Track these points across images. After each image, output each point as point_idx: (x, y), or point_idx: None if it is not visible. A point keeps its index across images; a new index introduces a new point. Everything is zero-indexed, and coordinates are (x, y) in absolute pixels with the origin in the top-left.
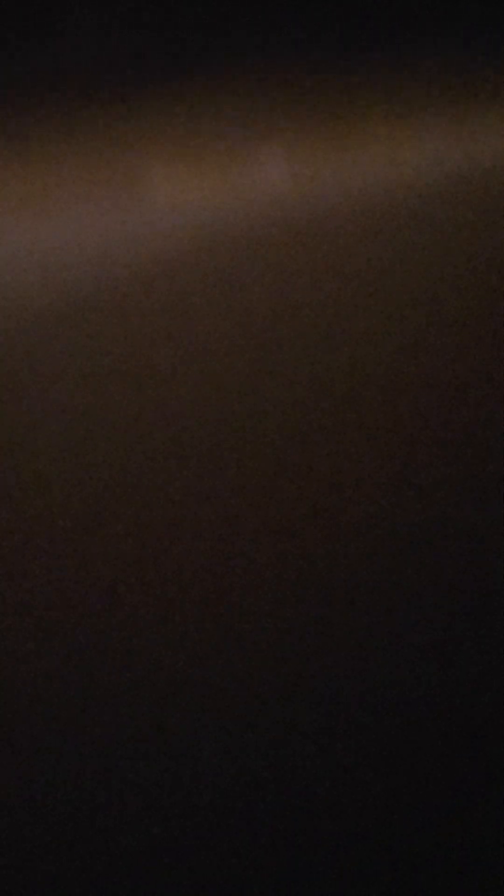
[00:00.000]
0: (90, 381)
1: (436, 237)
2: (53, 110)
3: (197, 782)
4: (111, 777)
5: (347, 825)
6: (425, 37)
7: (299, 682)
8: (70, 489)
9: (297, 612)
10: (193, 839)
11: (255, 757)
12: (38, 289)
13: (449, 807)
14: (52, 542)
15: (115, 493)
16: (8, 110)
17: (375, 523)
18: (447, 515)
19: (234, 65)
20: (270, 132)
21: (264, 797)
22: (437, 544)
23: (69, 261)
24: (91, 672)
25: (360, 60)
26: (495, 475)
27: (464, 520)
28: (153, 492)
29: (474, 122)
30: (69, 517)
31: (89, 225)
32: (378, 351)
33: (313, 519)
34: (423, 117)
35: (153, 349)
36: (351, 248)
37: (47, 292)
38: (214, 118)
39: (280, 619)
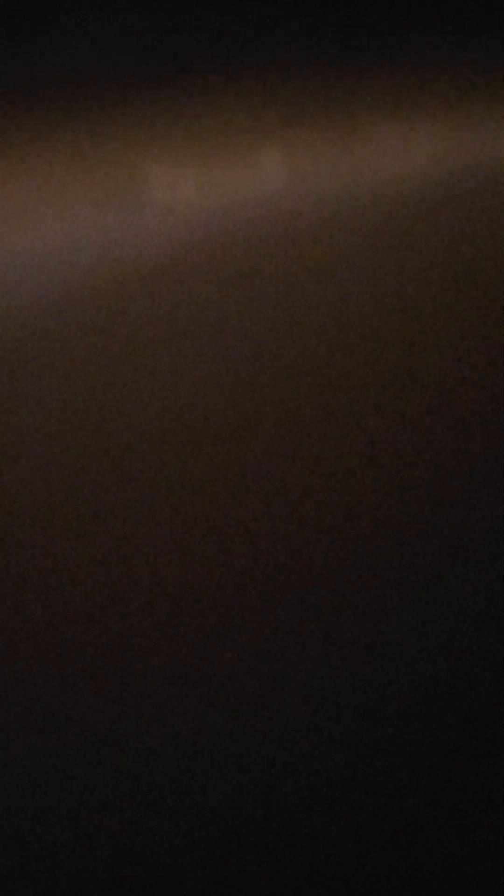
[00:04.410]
0: (90, 380)
1: (436, 236)
2: (53, 111)
3: (196, 784)
4: (110, 779)
5: (347, 826)
6: (425, 37)
7: (300, 685)
8: (70, 487)
9: (297, 615)
10: (193, 839)
11: (255, 758)
12: (39, 289)
13: (448, 806)
14: (52, 540)
15: (114, 491)
16: (8, 111)
17: (376, 521)
18: (448, 514)
19: (235, 65)
20: (270, 132)
21: (264, 797)
22: (438, 544)
23: (69, 261)
24: (91, 673)
25: (361, 61)
26: (496, 471)
27: (465, 519)
28: (153, 490)
29: (474, 122)
30: (69, 514)
31: (89, 225)
32: (379, 349)
33: (315, 516)
34: (424, 117)
35: (153, 348)
36: (351, 248)
37: (47, 292)
38: (214, 118)
39: (281, 622)
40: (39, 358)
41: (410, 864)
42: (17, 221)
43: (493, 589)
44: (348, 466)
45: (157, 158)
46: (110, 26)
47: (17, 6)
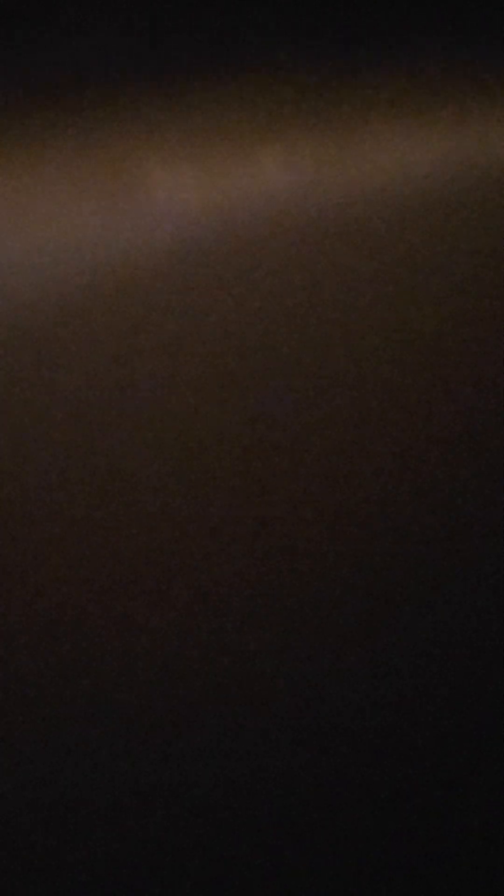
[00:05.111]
0: (89, 383)
1: (436, 237)
2: (53, 110)
3: (195, 786)
4: (110, 781)
5: (347, 827)
6: (426, 37)
7: (299, 685)
8: (69, 490)
9: (298, 616)
10: (192, 840)
11: (254, 761)
12: (37, 289)
13: (448, 807)
14: (50, 542)
15: (114, 494)
16: (7, 110)
17: (378, 522)
18: (450, 514)
19: (234, 64)
20: (270, 132)
21: (264, 798)
22: (440, 546)
23: (68, 261)
24: (90, 676)
25: (361, 60)
26: (498, 475)
27: (467, 520)
28: (153, 492)
29: (474, 122)
30: (68, 517)
31: (88, 225)
32: (379, 351)
33: (315, 519)
34: (424, 117)
35: (153, 350)
36: (351, 248)
37: (46, 293)
38: (214, 118)
39: (280, 623)
40: (39, 358)
41: (410, 865)
42: (16, 221)
43: (494, 589)
44: (350, 469)
45: (157, 158)
46: (110, 26)
47: (16, 6)
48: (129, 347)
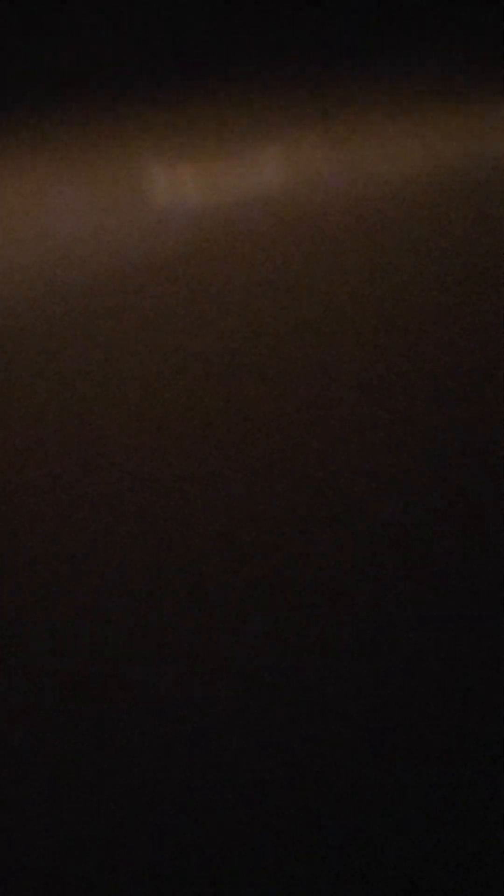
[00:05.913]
0: (89, 383)
1: (435, 236)
2: (52, 110)
3: (197, 784)
4: (111, 777)
5: (347, 828)
6: (425, 37)
7: (301, 683)
8: (69, 489)
9: (298, 615)
10: (194, 834)
11: (255, 759)
12: (36, 289)
13: (448, 806)
14: (50, 543)
15: (114, 494)
16: (6, 110)
17: (377, 519)
18: (447, 509)
19: (234, 64)
20: (270, 132)
21: (266, 794)
22: (437, 541)
23: (67, 261)
24: (92, 670)
25: (360, 60)
26: (497, 472)
27: (464, 517)
28: (153, 492)
29: (474, 121)
30: (68, 518)
31: (88, 225)
32: (378, 350)
33: (314, 516)
34: (423, 117)
35: (152, 349)
36: (351, 248)
37: (45, 292)
38: (214, 118)
39: (281, 622)
40: (38, 358)
41: (410, 867)
42: (16, 222)
43: (494, 588)
44: (350, 464)
45: (157, 158)
46: (109, 25)
47: (16, 5)
48: (130, 347)
